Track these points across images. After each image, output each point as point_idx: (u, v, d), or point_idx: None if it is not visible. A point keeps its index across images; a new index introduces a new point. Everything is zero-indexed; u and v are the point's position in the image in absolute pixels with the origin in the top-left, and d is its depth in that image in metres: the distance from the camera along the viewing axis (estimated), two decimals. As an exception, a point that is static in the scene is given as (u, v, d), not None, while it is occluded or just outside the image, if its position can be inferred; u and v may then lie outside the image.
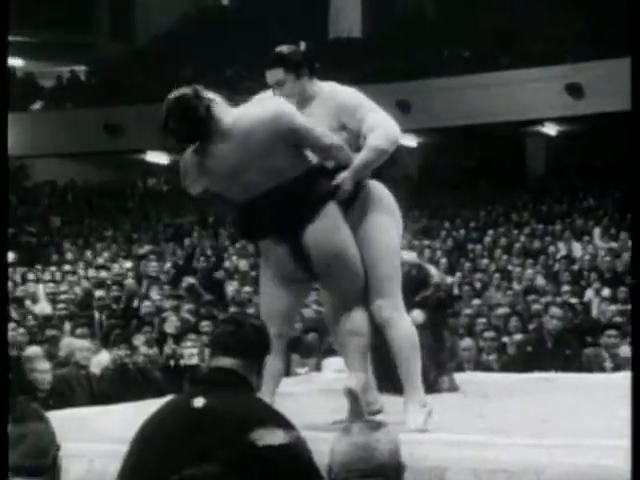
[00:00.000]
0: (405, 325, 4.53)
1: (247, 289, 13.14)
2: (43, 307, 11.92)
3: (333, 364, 7.46)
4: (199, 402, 2.95)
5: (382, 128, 4.44)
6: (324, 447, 2.70)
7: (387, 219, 4.53)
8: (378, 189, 4.56)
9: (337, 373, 7.12)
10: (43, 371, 7.08)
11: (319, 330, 9.10)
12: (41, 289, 13.47)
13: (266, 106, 4.32)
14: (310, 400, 5.49)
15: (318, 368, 8.00)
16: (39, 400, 6.79)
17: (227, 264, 15.77)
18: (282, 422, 2.94)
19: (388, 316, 4.49)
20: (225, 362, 3.10)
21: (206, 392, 3.01)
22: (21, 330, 8.74)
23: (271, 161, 4.27)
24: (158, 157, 22.26)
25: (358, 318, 4.61)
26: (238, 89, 21.22)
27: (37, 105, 24.18)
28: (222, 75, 22.13)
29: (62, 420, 4.64)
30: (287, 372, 8.43)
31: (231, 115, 4.28)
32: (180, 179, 4.44)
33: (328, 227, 4.41)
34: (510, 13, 20.20)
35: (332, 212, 4.39)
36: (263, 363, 3.19)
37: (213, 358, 3.19)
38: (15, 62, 27.64)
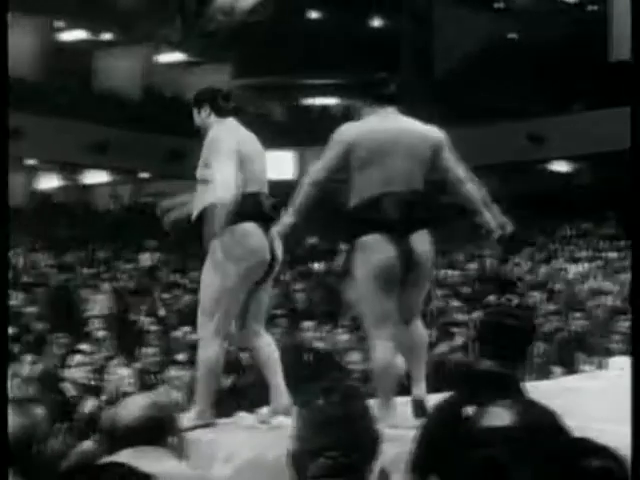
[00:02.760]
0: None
1: (533, 294, 12.88)
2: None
3: (618, 363, 7.20)
4: (468, 410, 2.67)
5: (219, 181, 4.39)
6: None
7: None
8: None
9: (620, 371, 6.88)
10: (353, 362, 7.18)
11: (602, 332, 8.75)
12: None
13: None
14: (592, 395, 5.30)
15: (602, 366, 7.71)
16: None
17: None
18: (556, 424, 2.59)
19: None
20: (489, 364, 2.81)
21: (474, 399, 2.67)
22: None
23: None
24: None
25: (422, 329, 4.52)
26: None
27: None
28: (509, 102, 21.90)
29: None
30: (573, 369, 8.22)
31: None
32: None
33: (428, 240, 4.41)
34: None
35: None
36: (528, 355, 2.90)
37: (479, 359, 2.90)
38: (331, 101, 28.60)
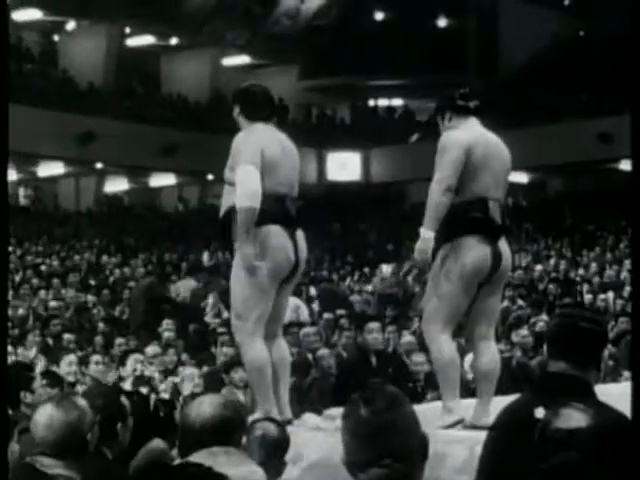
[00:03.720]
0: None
1: (603, 296, 12.69)
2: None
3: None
4: (540, 413, 2.57)
5: (238, 187, 4.37)
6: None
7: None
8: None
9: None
10: (418, 363, 7.12)
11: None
12: None
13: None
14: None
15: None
16: (415, 389, 6.87)
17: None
18: (628, 428, 2.53)
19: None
20: (561, 366, 2.68)
21: (546, 401, 2.57)
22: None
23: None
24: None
25: (495, 351, 4.55)
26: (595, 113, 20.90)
27: (414, 137, 24.84)
28: (577, 100, 21.61)
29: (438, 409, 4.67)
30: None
31: None
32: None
33: (509, 250, 4.53)
34: None
35: None
36: (602, 357, 2.86)
37: (549, 361, 2.78)
38: (396, 102, 28.59)
